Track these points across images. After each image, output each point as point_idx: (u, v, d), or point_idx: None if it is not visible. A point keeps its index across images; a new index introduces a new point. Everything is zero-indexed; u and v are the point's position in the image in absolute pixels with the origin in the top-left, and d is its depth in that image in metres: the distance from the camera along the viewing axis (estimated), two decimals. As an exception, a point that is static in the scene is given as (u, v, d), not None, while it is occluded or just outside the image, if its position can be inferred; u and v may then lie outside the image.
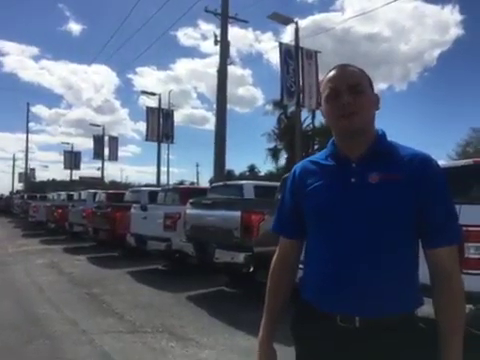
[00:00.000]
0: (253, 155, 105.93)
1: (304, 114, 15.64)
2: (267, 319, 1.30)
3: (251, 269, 5.78)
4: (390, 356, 1.07)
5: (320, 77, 11.42)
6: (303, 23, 44.12)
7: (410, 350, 1.07)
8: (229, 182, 8.37)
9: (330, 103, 1.16)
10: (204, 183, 32.31)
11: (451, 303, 1.08)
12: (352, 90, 1.12)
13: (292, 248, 1.29)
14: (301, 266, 1.28)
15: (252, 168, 42.60)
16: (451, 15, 74.93)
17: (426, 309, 1.15)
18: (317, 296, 1.15)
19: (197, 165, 52.06)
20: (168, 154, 26.20)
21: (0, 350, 3.53)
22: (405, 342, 1.07)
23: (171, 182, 27.74)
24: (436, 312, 1.10)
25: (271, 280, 1.31)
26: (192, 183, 41.59)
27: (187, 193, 7.65)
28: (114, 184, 43.48)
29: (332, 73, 1.18)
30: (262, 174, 37.94)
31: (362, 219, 1.09)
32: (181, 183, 37.11)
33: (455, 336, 1.07)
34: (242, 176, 37.41)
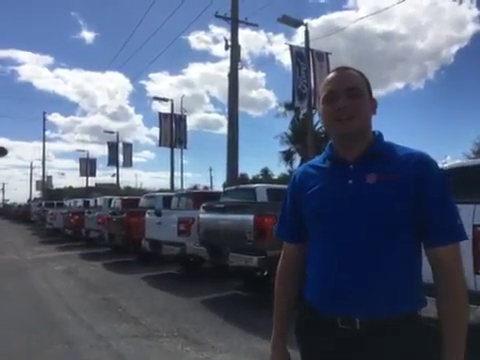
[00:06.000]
0: (266, 157, 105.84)
1: (317, 116, 15.48)
2: (277, 323, 1.31)
3: (265, 272, 5.78)
4: (393, 357, 1.05)
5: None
6: (316, 23, 44.05)
7: (413, 351, 1.06)
8: (242, 186, 8.38)
9: (327, 106, 1.16)
10: (218, 187, 32.37)
11: (452, 302, 1.06)
12: (349, 93, 1.12)
13: (296, 252, 1.30)
14: None
15: (265, 171, 42.55)
16: (469, 10, 73.75)
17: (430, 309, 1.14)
18: (318, 298, 1.15)
19: (210, 169, 52.14)
20: (181, 159, 26.46)
21: (20, 354, 3.61)
22: (408, 343, 1.06)
23: (185, 187, 27.99)
24: (438, 311, 1.09)
25: (278, 285, 1.32)
26: (206, 187, 41.67)
27: (200, 198, 7.67)
28: (129, 190, 44.02)
29: (330, 76, 1.19)
30: (276, 177, 37.83)
31: (360, 220, 1.08)
32: (195, 188, 37.22)
33: (456, 336, 1.05)
34: (255, 179, 37.36)
